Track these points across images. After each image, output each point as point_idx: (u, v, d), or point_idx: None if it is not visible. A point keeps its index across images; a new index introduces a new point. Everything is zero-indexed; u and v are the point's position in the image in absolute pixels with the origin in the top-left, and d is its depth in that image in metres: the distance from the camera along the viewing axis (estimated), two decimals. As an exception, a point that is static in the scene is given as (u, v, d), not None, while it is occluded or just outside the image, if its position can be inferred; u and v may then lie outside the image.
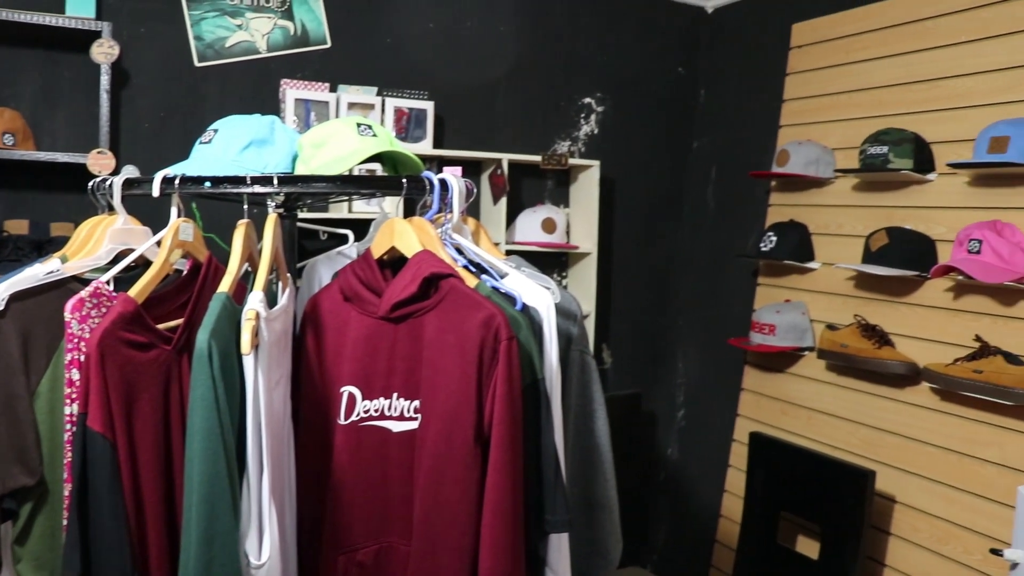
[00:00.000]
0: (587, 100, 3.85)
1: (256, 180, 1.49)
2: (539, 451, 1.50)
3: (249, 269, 1.57)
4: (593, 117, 3.87)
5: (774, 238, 3.35)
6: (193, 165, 1.63)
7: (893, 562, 2.93)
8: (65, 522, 1.39)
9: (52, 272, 1.53)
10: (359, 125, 1.67)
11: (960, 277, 2.61)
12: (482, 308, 1.42)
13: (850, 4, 3.26)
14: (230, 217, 1.51)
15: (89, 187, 1.69)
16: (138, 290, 1.39)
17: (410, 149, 3.13)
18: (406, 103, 3.29)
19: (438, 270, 1.49)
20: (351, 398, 1.53)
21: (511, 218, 3.58)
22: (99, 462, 1.27)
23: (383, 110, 3.25)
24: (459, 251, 1.65)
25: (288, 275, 1.59)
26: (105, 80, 2.73)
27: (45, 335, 1.47)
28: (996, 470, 2.62)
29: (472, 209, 3.51)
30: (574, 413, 1.76)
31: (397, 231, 1.59)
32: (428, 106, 3.33)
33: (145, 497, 1.34)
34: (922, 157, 2.87)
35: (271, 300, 1.44)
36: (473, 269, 1.60)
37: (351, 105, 3.17)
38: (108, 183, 1.63)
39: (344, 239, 3.08)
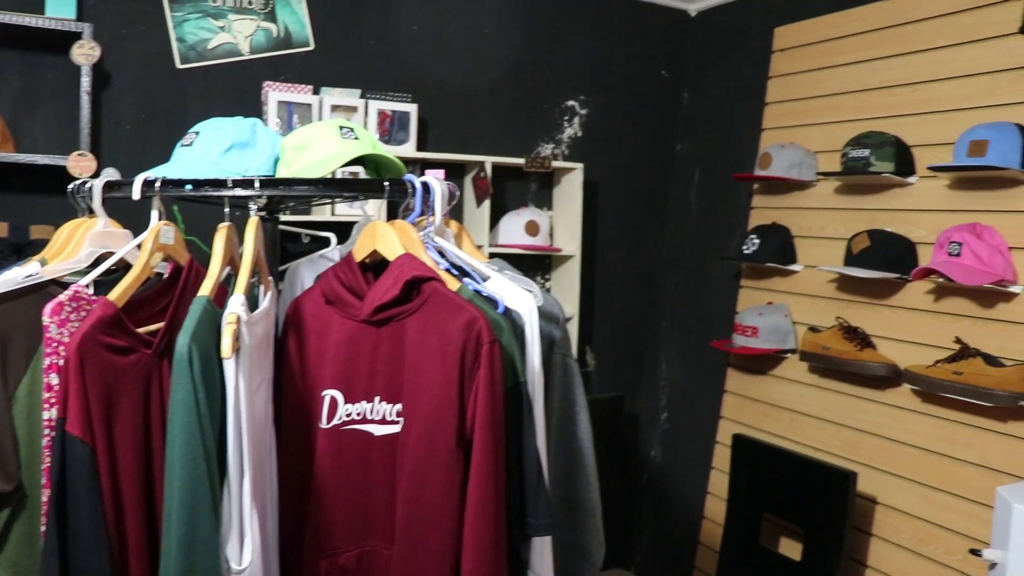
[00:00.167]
0: (571, 103, 3.85)
1: (237, 183, 1.49)
2: (521, 454, 1.50)
3: (231, 272, 1.56)
4: (576, 120, 3.87)
5: (757, 241, 3.36)
6: (174, 168, 1.62)
7: (875, 563, 2.94)
8: (43, 528, 1.38)
9: (31, 275, 1.52)
10: (341, 128, 1.66)
11: (940, 279, 2.63)
12: (464, 311, 1.42)
13: (832, 8, 3.28)
14: (212, 220, 1.51)
15: (69, 190, 1.68)
16: (118, 294, 1.38)
17: (393, 152, 3.13)
18: (389, 105, 3.28)
19: (420, 273, 1.49)
20: (333, 402, 1.52)
21: (494, 221, 3.58)
22: (78, 467, 1.26)
23: (366, 112, 3.25)
24: (441, 254, 1.65)
25: (270, 278, 1.58)
26: (86, 82, 2.71)
27: (24, 339, 1.46)
28: (976, 471, 2.64)
29: (455, 212, 3.53)
30: (556, 416, 1.76)
31: (379, 234, 1.59)
32: (411, 109, 3.32)
33: (125, 502, 1.33)
34: (903, 160, 2.89)
35: (252, 304, 1.44)
36: (455, 272, 1.60)
37: (334, 107, 3.16)
38: (88, 186, 1.62)
39: (326, 242, 3.06)
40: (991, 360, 2.56)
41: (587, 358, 4.04)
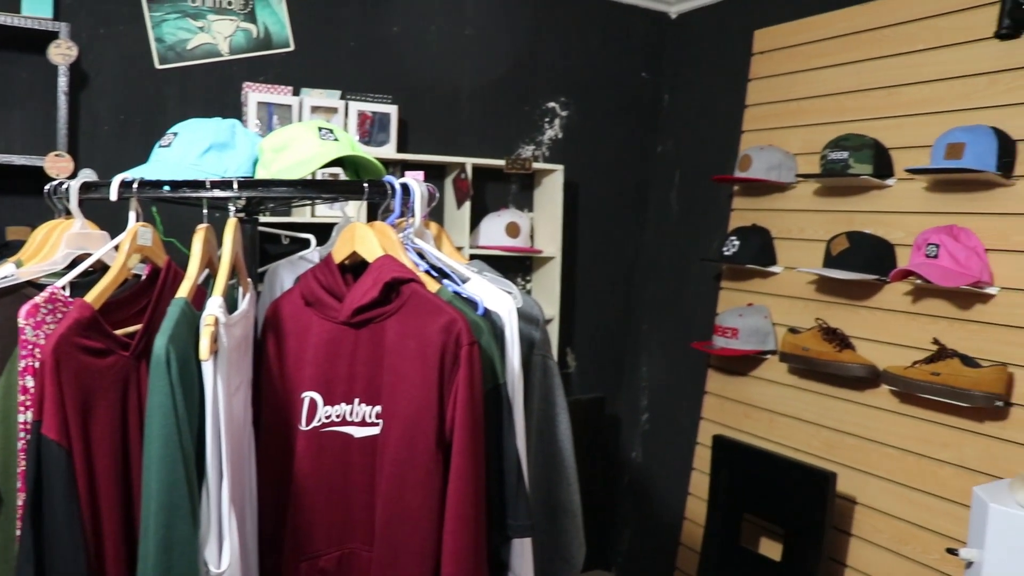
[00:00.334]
0: (551, 104, 3.86)
1: (216, 184, 1.48)
2: (501, 456, 1.50)
3: (210, 274, 1.55)
4: (557, 121, 3.88)
5: (737, 242, 3.37)
6: (152, 169, 1.61)
7: (854, 562, 2.96)
8: (19, 532, 1.37)
9: (6, 277, 1.51)
10: (320, 129, 1.66)
11: (918, 281, 2.65)
12: (443, 313, 1.42)
13: (811, 11, 3.30)
14: (192, 221, 1.50)
15: (46, 190, 1.66)
16: (95, 295, 1.37)
17: (373, 153, 3.12)
18: (370, 107, 3.28)
19: (399, 275, 1.48)
20: (312, 404, 1.52)
21: (475, 222, 3.58)
22: (54, 470, 1.25)
23: (346, 114, 3.24)
24: (421, 256, 1.64)
25: (249, 280, 1.58)
26: (63, 82, 2.69)
27: (-2, 341, 1.44)
28: (953, 471, 2.66)
29: (436, 213, 3.52)
30: (536, 418, 1.76)
31: (358, 236, 1.59)
32: (392, 110, 3.32)
33: (102, 505, 1.32)
34: (881, 163, 2.91)
35: (231, 305, 1.43)
36: (435, 274, 1.59)
37: (314, 109, 3.15)
38: (65, 187, 1.61)
39: (306, 243, 3.05)
40: (968, 361, 2.58)
41: (568, 359, 4.05)
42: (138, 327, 1.43)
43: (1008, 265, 2.56)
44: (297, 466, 1.52)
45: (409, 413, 1.43)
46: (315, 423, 1.52)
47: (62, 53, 2.67)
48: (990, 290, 2.59)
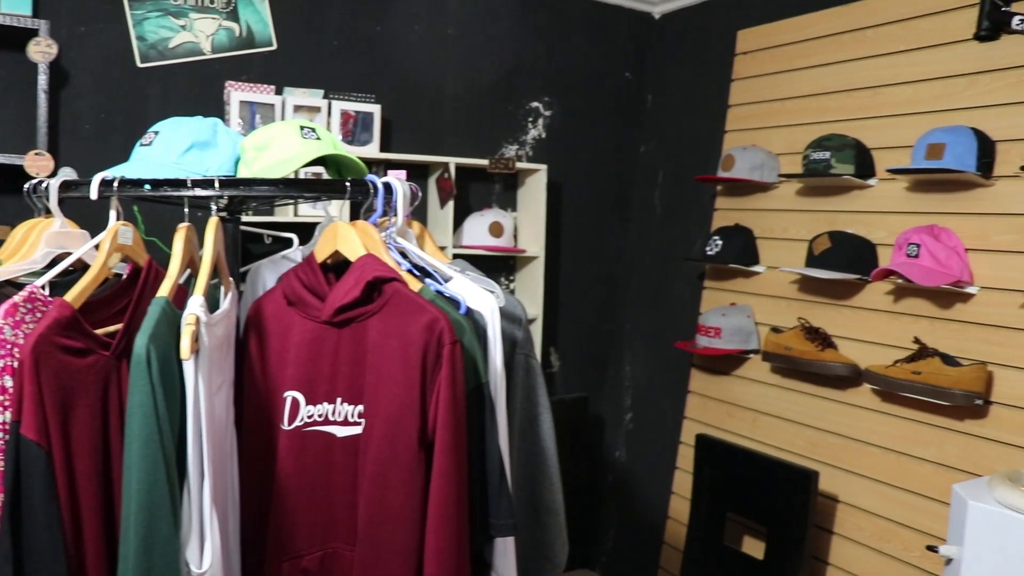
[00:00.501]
0: (535, 104, 3.86)
1: (197, 183, 1.48)
2: (484, 455, 1.51)
3: (192, 274, 1.55)
4: (541, 121, 3.88)
5: (720, 242, 3.38)
6: (133, 167, 1.60)
7: (836, 560, 2.98)
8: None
9: (-15, 276, 1.50)
10: (302, 128, 1.66)
11: (900, 280, 2.67)
12: (425, 312, 1.42)
13: (793, 12, 3.32)
14: (174, 221, 1.49)
15: (25, 189, 1.65)
16: (75, 295, 1.36)
17: (357, 153, 3.12)
18: (353, 106, 3.27)
19: (381, 274, 1.48)
20: (295, 403, 1.51)
21: (458, 222, 3.58)
22: (33, 471, 1.24)
23: (329, 113, 3.23)
24: (403, 255, 1.64)
25: (230, 279, 1.57)
26: (43, 80, 2.67)
27: (-23, 341, 1.43)
28: (934, 469, 2.68)
29: (419, 213, 3.52)
30: (519, 417, 1.77)
31: (340, 235, 1.59)
32: (375, 109, 3.31)
33: (82, 506, 1.32)
34: (863, 163, 2.93)
35: (213, 305, 1.43)
36: (417, 273, 1.59)
37: (297, 108, 3.14)
38: (45, 185, 1.60)
39: (289, 243, 3.04)
40: (948, 360, 2.60)
41: (551, 359, 4.05)
42: (119, 326, 1.42)
43: (988, 265, 2.58)
44: (279, 466, 1.51)
45: (391, 412, 1.43)
46: (297, 422, 1.51)
47: (42, 51, 2.65)
48: (970, 289, 2.61)
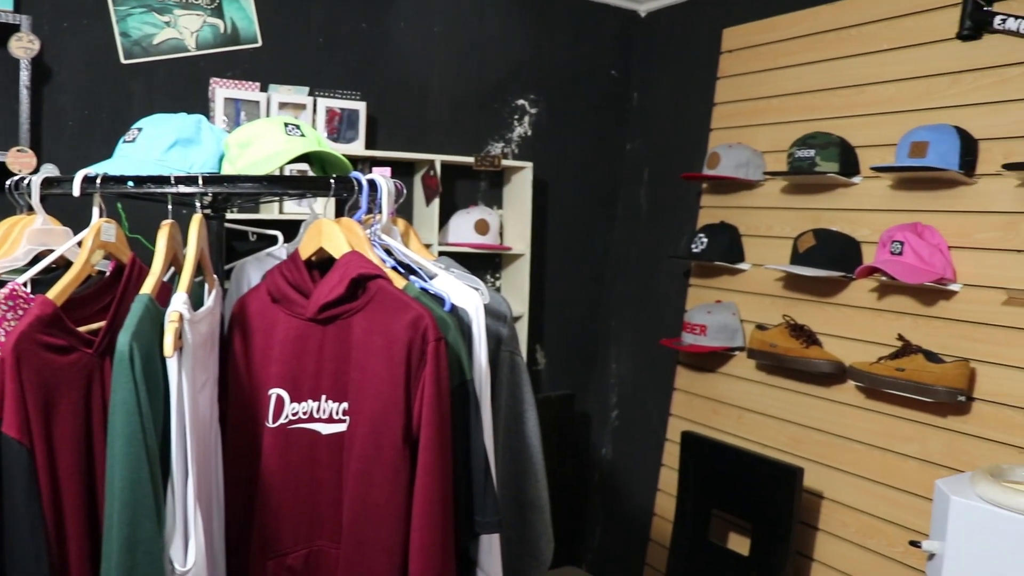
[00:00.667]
0: (520, 102, 3.86)
1: (180, 180, 1.47)
2: (469, 452, 1.51)
3: (176, 271, 1.54)
4: (527, 119, 3.88)
5: (705, 239, 3.39)
6: (116, 164, 1.60)
7: (821, 556, 2.99)
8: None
9: (-34, 274, 1.49)
10: (286, 125, 1.65)
11: (883, 278, 2.68)
12: (410, 309, 1.42)
13: (779, 10, 3.33)
14: (158, 218, 1.49)
15: (7, 186, 1.64)
16: (57, 292, 1.36)
17: (342, 150, 3.11)
18: (338, 103, 3.26)
19: (366, 271, 1.48)
20: (279, 400, 1.51)
21: (444, 219, 3.57)
22: (15, 469, 1.23)
23: (315, 110, 3.22)
24: (388, 252, 1.64)
25: (214, 277, 1.57)
26: (25, 76, 2.65)
27: (-42, 339, 1.42)
28: (917, 465, 2.69)
29: (405, 210, 3.51)
30: (504, 414, 1.77)
31: (325, 232, 1.58)
32: (360, 107, 3.30)
33: (65, 504, 1.31)
34: (847, 160, 2.94)
35: (197, 302, 1.42)
36: (402, 270, 1.59)
37: (282, 105, 3.13)
38: (27, 182, 1.59)
39: (274, 240, 3.04)
40: (932, 356, 2.61)
41: (538, 356, 4.05)
42: (102, 324, 1.41)
43: (970, 262, 2.60)
44: (264, 463, 1.51)
45: (376, 409, 1.43)
46: (282, 420, 1.51)
47: (24, 47, 2.63)
48: (953, 287, 2.62)
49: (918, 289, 2.72)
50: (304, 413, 1.51)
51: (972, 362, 2.56)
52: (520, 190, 3.71)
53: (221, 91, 3.04)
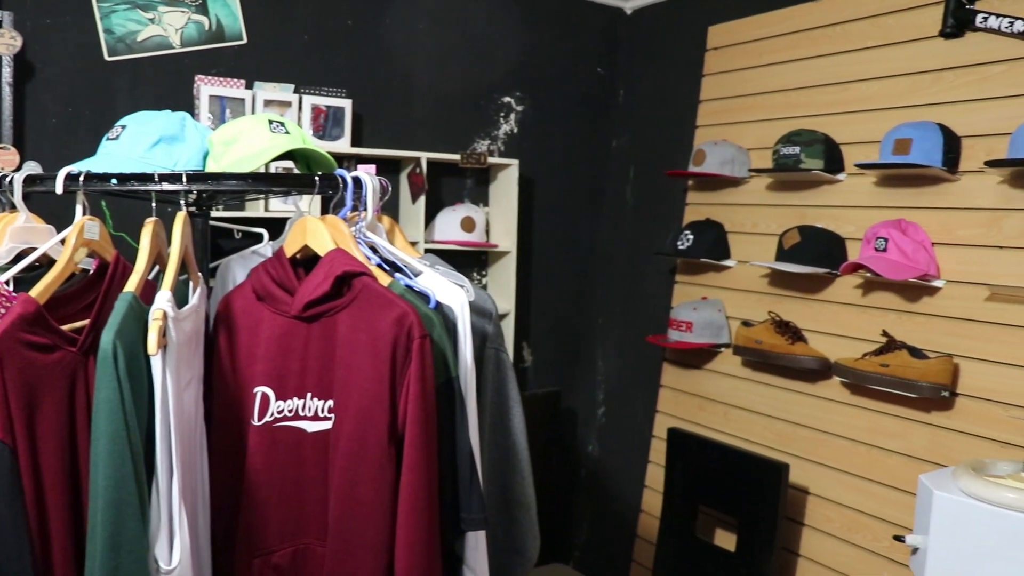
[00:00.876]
0: (506, 99, 3.86)
1: (164, 177, 1.47)
2: (454, 449, 1.51)
3: (160, 269, 1.54)
4: (512, 116, 3.88)
5: (691, 236, 3.40)
6: (100, 162, 1.59)
7: (807, 552, 3.01)
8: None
9: (-52, 272, 1.48)
10: (271, 122, 1.65)
11: (868, 274, 2.70)
12: (395, 306, 1.42)
13: (764, 8, 3.34)
14: (143, 216, 1.48)
15: (-11, 184, 1.63)
16: (40, 290, 1.35)
17: (328, 147, 3.10)
18: (324, 101, 3.26)
19: (351, 268, 1.48)
20: (264, 398, 1.51)
21: (430, 217, 3.57)
22: (-3, 468, 1.23)
23: (300, 108, 3.21)
24: (373, 249, 1.64)
25: (199, 274, 1.56)
26: (7, 72, 2.64)
27: (-60, 338, 1.41)
28: (901, 460, 2.71)
29: (391, 208, 3.51)
30: (490, 411, 1.77)
31: (310, 229, 1.58)
32: (346, 104, 3.30)
33: (49, 503, 1.31)
34: (832, 157, 2.95)
35: (182, 300, 1.42)
36: (387, 268, 1.59)
37: (268, 102, 3.12)
38: (9, 179, 1.58)
39: (259, 238, 3.03)
40: (916, 352, 2.63)
41: (524, 353, 4.06)
42: (86, 322, 1.41)
43: (953, 258, 2.62)
44: (250, 461, 1.51)
45: (361, 407, 1.43)
46: (267, 418, 1.51)
47: (5, 43, 2.61)
48: (936, 283, 2.64)
49: (902, 285, 2.74)
50: (289, 411, 1.51)
51: (955, 358, 2.58)
52: (506, 187, 3.71)
53: (206, 88, 3.02)
